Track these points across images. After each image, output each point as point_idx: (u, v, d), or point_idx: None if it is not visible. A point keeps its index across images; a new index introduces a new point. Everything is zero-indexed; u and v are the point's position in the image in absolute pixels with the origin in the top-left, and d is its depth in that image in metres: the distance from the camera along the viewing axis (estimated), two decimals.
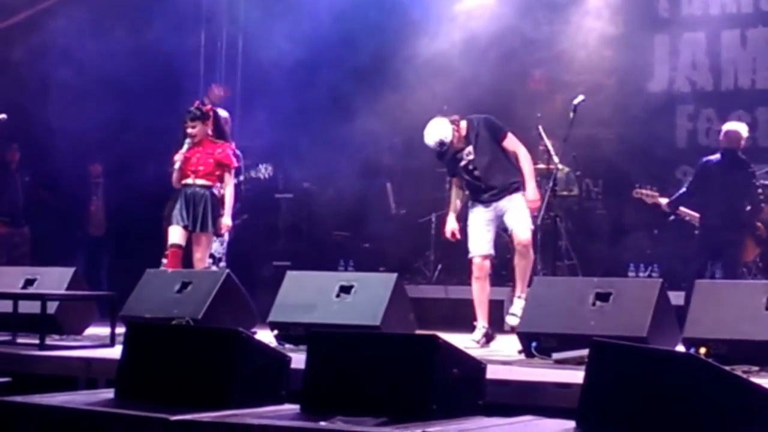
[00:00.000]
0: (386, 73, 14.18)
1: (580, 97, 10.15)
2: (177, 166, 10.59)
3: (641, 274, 12.71)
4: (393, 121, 13.84)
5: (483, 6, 14.53)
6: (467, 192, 10.19)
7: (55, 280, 10.11)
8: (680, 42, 14.38)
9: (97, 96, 13.41)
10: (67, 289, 9.96)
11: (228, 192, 10.67)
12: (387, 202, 14.37)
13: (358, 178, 13.83)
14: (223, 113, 11.75)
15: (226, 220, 10.65)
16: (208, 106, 10.90)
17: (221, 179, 10.67)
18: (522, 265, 9.85)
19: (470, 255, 10.03)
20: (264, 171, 11.97)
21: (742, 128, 11.49)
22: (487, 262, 9.96)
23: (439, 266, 13.63)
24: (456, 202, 10.28)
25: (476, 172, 9.94)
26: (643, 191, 11.71)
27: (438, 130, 9.84)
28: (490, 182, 9.91)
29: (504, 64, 14.49)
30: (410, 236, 14.07)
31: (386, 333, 8.12)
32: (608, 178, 14.18)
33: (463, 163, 9.99)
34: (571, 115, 10.04)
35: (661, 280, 8.79)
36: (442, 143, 9.84)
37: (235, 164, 10.80)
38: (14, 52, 13.55)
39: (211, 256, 11.23)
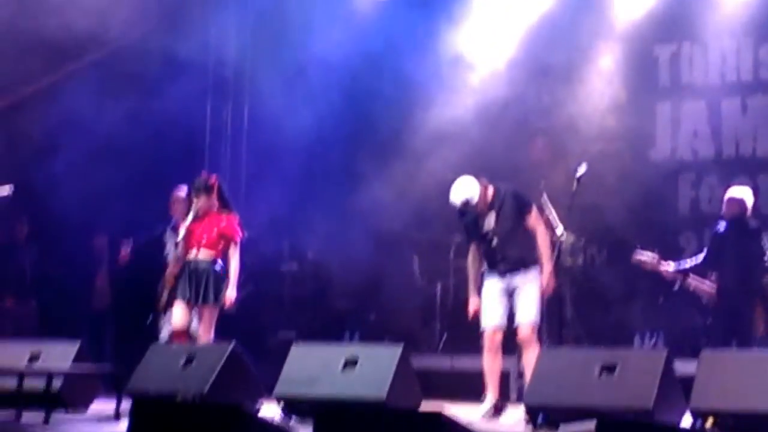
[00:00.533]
0: (393, 142, 14.29)
1: (583, 169, 10.17)
2: (181, 237, 10.61)
3: (647, 343, 12.68)
4: (400, 190, 13.90)
5: (487, 76, 14.62)
6: (483, 261, 10.14)
7: (60, 354, 10.11)
8: (681, 110, 14.47)
9: (103, 168, 13.46)
10: (73, 363, 9.96)
11: (233, 264, 10.65)
12: (398, 271, 14.31)
13: (365, 248, 13.80)
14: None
15: (231, 293, 10.62)
16: (213, 178, 10.91)
17: (225, 251, 10.65)
18: (527, 359, 9.77)
19: (482, 327, 10.00)
20: None
21: (746, 193, 11.49)
22: (499, 335, 9.93)
23: (445, 336, 13.61)
24: (474, 280, 10.21)
25: (494, 241, 9.93)
26: (642, 257, 11.69)
27: (465, 189, 9.85)
28: (507, 253, 9.89)
29: (507, 133, 14.57)
30: (416, 306, 14.07)
31: (392, 409, 8.11)
32: (612, 246, 14.15)
33: (482, 228, 9.99)
34: (575, 186, 10.06)
35: (666, 351, 8.79)
36: (467, 203, 9.84)
37: (240, 236, 10.79)
38: (23, 125, 13.60)
39: None
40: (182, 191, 11.82)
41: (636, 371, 8.33)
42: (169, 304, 11.32)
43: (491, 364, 9.96)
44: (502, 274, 9.91)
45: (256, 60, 15.43)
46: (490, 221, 9.97)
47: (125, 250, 12.49)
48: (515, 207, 9.93)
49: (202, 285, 10.50)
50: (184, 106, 13.87)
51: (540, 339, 10.34)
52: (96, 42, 13.41)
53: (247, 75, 15.85)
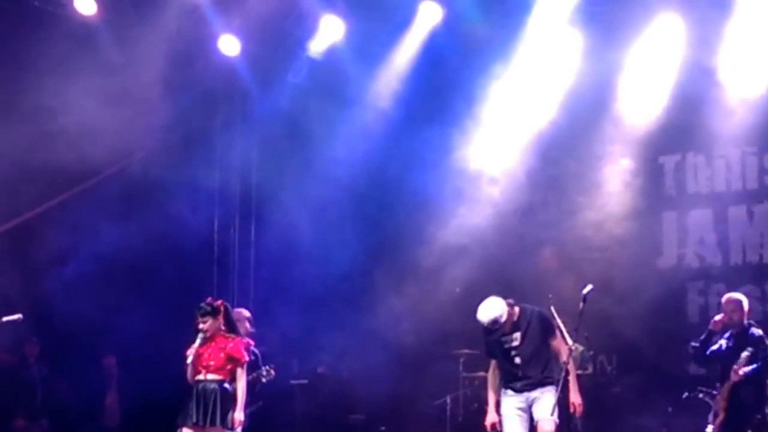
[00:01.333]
0: (403, 257, 14.39)
1: (589, 287, 10.17)
2: (189, 361, 10.65)
3: None
4: (410, 305, 13.97)
5: (494, 188, 14.75)
6: (501, 378, 10.18)
7: None
8: (688, 218, 14.56)
9: (111, 288, 13.59)
10: None
11: (240, 387, 10.66)
12: (408, 384, 14.27)
13: (374, 361, 13.82)
14: (246, 313, 11.91)
15: (238, 415, 10.62)
16: (219, 302, 10.98)
17: (233, 373, 10.69)
18: None
19: None
20: (266, 374, 11.94)
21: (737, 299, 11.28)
22: None
23: None
24: (494, 394, 10.24)
25: (517, 360, 10.02)
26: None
27: (494, 310, 9.91)
28: (528, 372, 9.98)
29: (514, 244, 14.68)
30: (426, 419, 14.05)
31: None
32: (622, 355, 14.19)
33: (506, 346, 10.06)
34: (581, 305, 10.07)
35: None
36: (495, 322, 9.89)
37: (246, 358, 10.82)
38: (32, 247, 13.73)
39: None
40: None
41: None
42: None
43: None
44: (520, 391, 9.98)
45: (263, 177, 15.58)
46: (514, 340, 10.06)
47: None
48: (541, 329, 10.06)
49: (210, 407, 10.50)
50: (191, 226, 14.02)
51: None
52: (103, 165, 13.59)
53: (254, 193, 15.98)
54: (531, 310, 10.15)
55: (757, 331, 11.01)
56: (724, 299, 11.26)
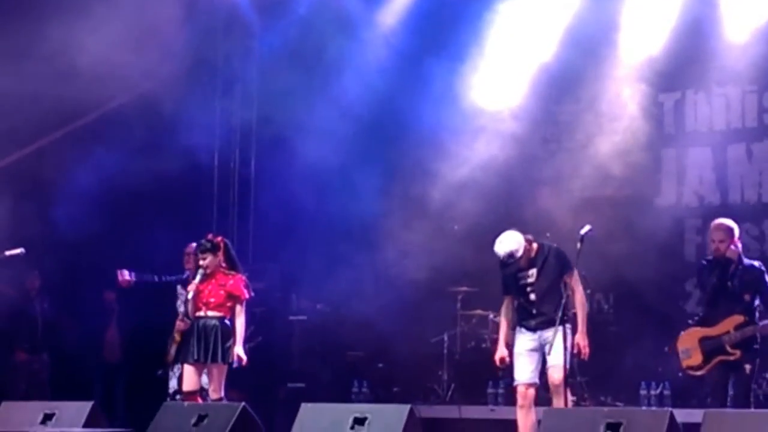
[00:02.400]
0: (400, 193, 14.38)
1: (587, 227, 10.22)
2: (189, 297, 10.73)
3: (653, 392, 12.71)
4: (407, 242, 14.00)
5: (494, 125, 14.72)
6: (516, 315, 10.27)
7: (73, 414, 10.20)
8: (687, 157, 14.57)
9: (112, 222, 13.61)
10: (86, 423, 10.07)
11: (239, 323, 10.77)
12: (406, 322, 14.32)
13: (373, 298, 13.88)
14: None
15: (238, 350, 10.73)
16: (219, 238, 11.03)
17: (233, 310, 10.77)
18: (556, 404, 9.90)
19: (515, 383, 10.17)
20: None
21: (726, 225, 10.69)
22: (532, 390, 10.07)
23: (453, 386, 13.69)
24: (507, 328, 10.33)
25: (532, 296, 10.11)
26: None
27: (510, 243, 10.01)
28: (542, 309, 10.06)
29: (512, 181, 14.69)
30: (423, 356, 14.14)
31: None
32: (619, 294, 14.25)
33: (521, 282, 10.15)
34: (579, 245, 10.12)
35: (670, 410, 8.83)
36: (511, 255, 9.98)
37: (246, 295, 10.90)
38: (33, 179, 13.75)
39: None
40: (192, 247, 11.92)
41: (641, 430, 8.36)
42: (176, 360, 11.47)
43: (524, 419, 10.11)
44: (534, 330, 10.06)
45: (265, 112, 15.54)
46: (530, 276, 10.14)
47: (125, 276, 12.44)
48: (557, 266, 10.13)
49: (210, 344, 10.61)
50: (191, 159, 14.02)
51: (545, 390, 10.40)
52: (104, 99, 13.57)
53: (255, 127, 15.98)
54: (549, 247, 10.24)
55: (755, 263, 10.62)
56: (712, 224, 10.71)
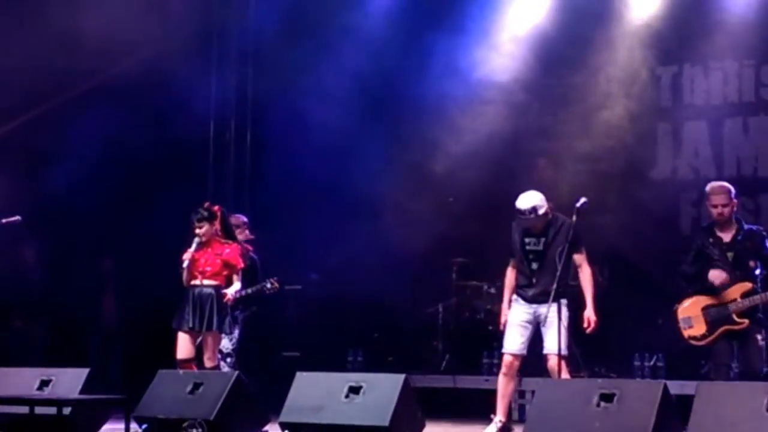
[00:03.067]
0: (401, 161, 14.40)
1: (583, 200, 10.23)
2: (185, 265, 10.76)
3: (646, 364, 12.78)
4: (403, 211, 14.04)
5: (489, 97, 14.74)
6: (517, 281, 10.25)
7: (70, 380, 10.26)
8: (683, 130, 14.60)
9: (109, 191, 13.64)
10: (82, 389, 10.12)
11: (232, 290, 10.80)
12: (402, 292, 14.37)
13: (369, 268, 13.91)
14: (243, 219, 11.98)
15: (235, 286, 10.78)
16: (216, 207, 11.06)
17: (229, 279, 10.81)
18: None
19: (503, 350, 10.18)
20: (270, 286, 12.01)
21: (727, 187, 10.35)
22: (518, 361, 10.09)
23: (447, 356, 13.76)
24: (510, 293, 10.29)
25: (534, 264, 10.09)
26: None
27: (535, 198, 10.06)
28: (541, 280, 10.03)
29: (509, 153, 14.71)
30: (418, 326, 14.20)
31: None
32: (613, 267, 14.27)
33: (527, 248, 10.13)
34: (574, 218, 10.15)
35: (664, 381, 8.89)
36: (533, 210, 9.99)
37: (242, 265, 10.94)
38: (34, 147, 13.77)
39: (220, 351, 11.35)
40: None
41: (634, 400, 8.41)
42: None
43: (504, 388, 10.14)
44: (530, 302, 10.06)
45: (262, 82, 15.56)
46: (537, 244, 10.13)
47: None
48: (569, 240, 10.02)
49: (206, 312, 10.65)
50: (188, 128, 14.03)
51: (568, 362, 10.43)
52: (103, 68, 13.57)
53: (251, 97, 15.99)
54: (563, 220, 10.17)
55: (754, 227, 10.28)
56: (708, 188, 10.30)
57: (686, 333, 10.14)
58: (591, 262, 13.73)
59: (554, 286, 9.84)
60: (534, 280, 10.07)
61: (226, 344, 11.63)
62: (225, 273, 10.80)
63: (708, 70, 14.52)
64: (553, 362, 9.90)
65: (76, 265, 13.93)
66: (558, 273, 9.87)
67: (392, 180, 14.29)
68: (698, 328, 10.03)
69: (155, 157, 13.90)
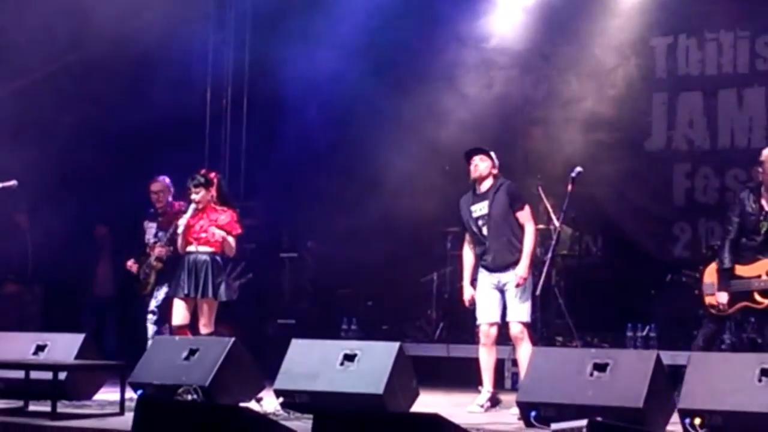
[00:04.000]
0: (393, 128, 14.40)
1: (578, 169, 10.27)
2: (180, 231, 10.78)
3: (639, 334, 12.84)
4: (399, 180, 14.06)
5: (484, 65, 14.76)
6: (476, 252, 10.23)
7: (65, 346, 10.31)
8: (677, 101, 14.62)
9: (104, 156, 13.63)
10: (78, 355, 10.17)
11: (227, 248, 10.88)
12: (396, 261, 14.42)
13: (364, 237, 13.94)
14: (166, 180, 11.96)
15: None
16: (212, 173, 11.07)
17: (224, 245, 10.83)
18: (520, 355, 9.96)
19: (477, 322, 10.19)
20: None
21: None
22: (494, 329, 10.04)
23: (441, 325, 13.82)
24: (469, 269, 10.27)
25: (484, 229, 10.05)
26: None
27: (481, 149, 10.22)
28: (494, 244, 9.99)
29: (504, 122, 14.73)
30: (413, 295, 14.24)
31: (390, 413, 8.27)
32: (607, 236, 14.35)
33: (475, 215, 10.13)
34: (569, 187, 10.19)
35: (656, 352, 8.96)
36: (483, 153, 10.17)
37: (239, 230, 10.96)
38: (30, 114, 13.76)
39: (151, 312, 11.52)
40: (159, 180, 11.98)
41: (627, 370, 8.47)
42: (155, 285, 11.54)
43: (487, 358, 10.13)
44: (491, 270, 10.03)
45: (257, 51, 15.55)
46: (483, 208, 10.10)
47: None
48: (507, 199, 10.04)
49: (201, 279, 10.67)
50: (183, 95, 14.02)
51: (533, 330, 10.51)
52: (100, 32, 13.54)
53: (247, 66, 15.97)
54: (502, 181, 10.16)
55: None
56: (764, 156, 9.98)
57: (707, 299, 10.00)
58: (585, 233, 14.02)
59: (508, 247, 9.92)
60: (487, 244, 10.02)
61: (151, 303, 11.70)
62: (220, 239, 10.80)
63: (703, 41, 14.52)
64: (514, 330, 9.94)
65: (71, 231, 13.92)
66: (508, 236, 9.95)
67: (385, 149, 14.26)
68: (720, 297, 9.82)
69: (152, 123, 13.86)
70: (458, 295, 13.55)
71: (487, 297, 10.05)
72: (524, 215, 10.11)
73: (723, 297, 9.82)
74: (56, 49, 13.57)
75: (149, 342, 11.34)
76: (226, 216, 10.87)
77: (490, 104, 14.60)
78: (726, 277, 9.83)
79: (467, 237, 10.32)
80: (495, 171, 10.20)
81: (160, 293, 11.54)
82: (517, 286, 9.89)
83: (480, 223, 10.10)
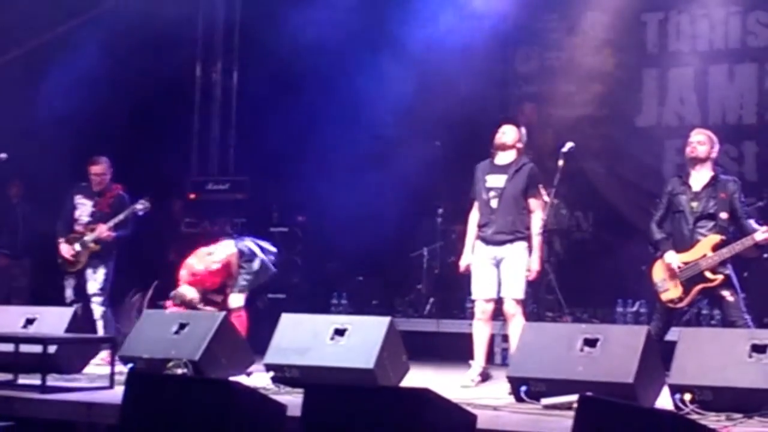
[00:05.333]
0: (382, 102, 14.36)
1: (569, 145, 10.27)
2: None
3: (629, 310, 12.85)
4: (388, 156, 14.04)
5: (476, 40, 14.70)
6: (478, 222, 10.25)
7: (55, 319, 10.34)
8: (668, 77, 14.61)
9: (95, 127, 13.60)
10: (67, 329, 10.19)
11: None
12: (386, 236, 14.41)
13: (354, 212, 13.90)
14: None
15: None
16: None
17: None
18: (512, 330, 9.98)
19: (472, 297, 10.23)
20: (141, 206, 12.02)
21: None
22: (490, 305, 10.09)
23: (431, 300, 13.83)
24: (472, 235, 10.27)
25: (494, 202, 10.06)
26: None
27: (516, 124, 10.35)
28: (500, 219, 10.01)
29: (495, 98, 14.72)
30: (403, 270, 14.24)
31: (380, 387, 8.27)
32: (598, 212, 14.37)
33: (488, 185, 10.14)
34: (561, 163, 10.17)
35: (647, 327, 8.99)
36: (513, 122, 10.35)
37: None
38: (19, 84, 13.71)
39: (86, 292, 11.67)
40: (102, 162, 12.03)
41: (618, 346, 8.48)
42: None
43: (480, 333, 10.16)
44: (489, 243, 10.05)
45: (249, 18, 15.51)
46: (500, 181, 10.12)
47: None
48: (527, 181, 10.07)
49: None
50: (173, 69, 13.98)
51: (526, 305, 10.53)
52: (87, 6, 13.51)
53: (238, 39, 15.92)
54: (526, 161, 10.20)
55: (731, 177, 9.96)
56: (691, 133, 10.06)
57: (663, 296, 9.79)
58: (576, 208, 14.04)
59: (513, 226, 9.96)
60: (493, 217, 10.04)
61: (92, 285, 11.73)
62: None
63: (694, 17, 14.49)
64: (508, 306, 9.97)
65: (62, 204, 13.87)
66: (515, 216, 9.98)
67: (375, 123, 14.24)
68: (674, 291, 9.71)
69: (140, 98, 13.85)
70: (448, 271, 13.71)
71: (483, 272, 10.06)
72: (536, 203, 10.15)
73: (671, 256, 9.66)
74: (43, 22, 13.52)
75: (99, 323, 11.45)
76: None
77: (480, 80, 14.53)
78: (666, 245, 9.75)
79: (476, 204, 10.31)
80: (520, 145, 10.23)
81: (99, 274, 11.67)
82: (529, 278, 9.96)
83: (492, 194, 10.11)
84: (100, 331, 11.52)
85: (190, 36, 15.31)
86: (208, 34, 15.94)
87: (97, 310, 11.68)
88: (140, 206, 11.83)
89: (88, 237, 11.74)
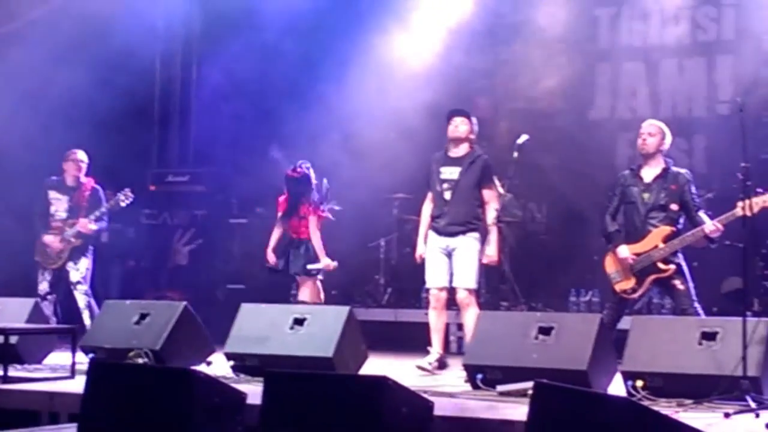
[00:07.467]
0: (338, 92, 14.45)
1: (524, 137, 10.44)
2: None
3: (582, 299, 13.04)
4: (345, 145, 14.13)
5: (429, 35, 14.84)
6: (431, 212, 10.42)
7: (16, 310, 10.39)
8: (620, 71, 14.81)
9: (54, 123, 13.59)
10: (28, 319, 10.24)
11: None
12: (344, 226, 14.51)
13: None
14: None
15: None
16: None
17: None
18: (465, 320, 10.20)
19: (426, 286, 10.40)
20: (123, 197, 12.10)
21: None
22: (443, 294, 10.30)
23: (389, 290, 13.97)
24: (425, 226, 10.47)
25: (447, 194, 10.26)
26: None
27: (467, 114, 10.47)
28: (452, 210, 10.21)
29: (448, 91, 14.82)
30: (361, 261, 14.34)
31: (339, 374, 8.41)
32: (551, 204, 14.53)
33: (442, 177, 10.32)
34: (515, 154, 10.33)
35: (600, 315, 9.17)
36: (466, 115, 10.45)
37: None
38: None
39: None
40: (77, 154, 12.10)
41: (571, 333, 8.66)
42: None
43: (436, 321, 10.36)
44: (441, 234, 10.23)
45: (209, 10, 15.54)
46: (454, 173, 10.28)
47: None
48: (480, 174, 10.26)
49: None
50: (133, 63, 14.01)
51: (479, 295, 10.71)
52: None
53: (198, 28, 15.95)
54: (480, 154, 10.38)
55: (682, 170, 9.97)
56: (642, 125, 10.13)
57: (617, 287, 9.88)
58: (530, 200, 14.19)
59: (465, 218, 10.16)
60: (446, 209, 10.22)
61: (74, 275, 11.80)
62: None
63: (646, 12, 14.70)
64: (461, 296, 10.17)
65: (20, 196, 13.88)
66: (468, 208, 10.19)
67: (331, 114, 14.32)
68: (627, 281, 9.80)
69: (99, 93, 13.82)
70: (405, 261, 13.86)
71: (436, 262, 10.25)
72: (490, 194, 10.34)
73: (623, 251, 9.77)
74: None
75: (84, 312, 11.52)
76: None
77: (435, 73, 14.66)
78: (618, 238, 9.88)
79: (429, 195, 10.47)
80: (472, 136, 10.39)
81: (80, 264, 11.77)
82: (491, 264, 10.24)
83: (445, 186, 10.29)
84: (87, 321, 11.56)
85: (150, 28, 15.30)
86: (167, 26, 15.94)
87: (81, 299, 11.74)
88: (123, 197, 11.91)
89: (69, 232, 11.80)
